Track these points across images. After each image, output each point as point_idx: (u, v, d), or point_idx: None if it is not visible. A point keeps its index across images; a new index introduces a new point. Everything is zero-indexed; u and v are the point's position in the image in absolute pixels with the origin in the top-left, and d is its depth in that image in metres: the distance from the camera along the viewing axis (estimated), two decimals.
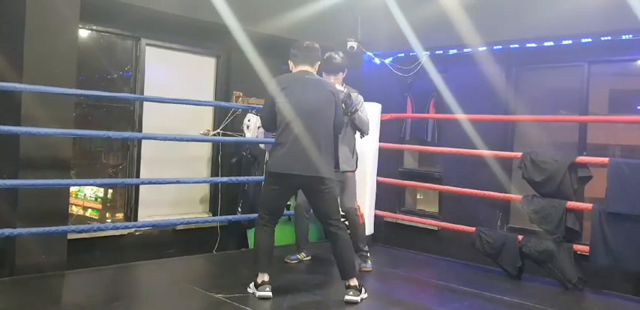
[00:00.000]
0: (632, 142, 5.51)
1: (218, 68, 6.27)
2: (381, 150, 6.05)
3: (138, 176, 5.56)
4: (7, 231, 4.02)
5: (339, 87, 4.48)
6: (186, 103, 5.11)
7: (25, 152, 4.28)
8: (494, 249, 5.03)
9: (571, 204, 4.72)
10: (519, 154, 5.08)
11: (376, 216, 6.04)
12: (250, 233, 6.07)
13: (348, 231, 4.97)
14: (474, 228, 5.26)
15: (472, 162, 5.66)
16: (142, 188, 5.55)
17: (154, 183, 5.15)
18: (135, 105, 5.56)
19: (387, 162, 6.32)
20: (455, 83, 5.94)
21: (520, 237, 4.97)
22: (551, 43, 5.38)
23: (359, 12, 6.59)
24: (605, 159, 4.59)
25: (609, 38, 5.03)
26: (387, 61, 6.66)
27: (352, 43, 6.49)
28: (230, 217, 5.72)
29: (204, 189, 6.17)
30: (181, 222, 5.24)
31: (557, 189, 4.77)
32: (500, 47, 5.67)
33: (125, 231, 5.31)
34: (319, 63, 4.22)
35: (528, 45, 5.53)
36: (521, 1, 5.38)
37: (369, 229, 5.80)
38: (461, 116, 5.64)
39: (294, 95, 3.94)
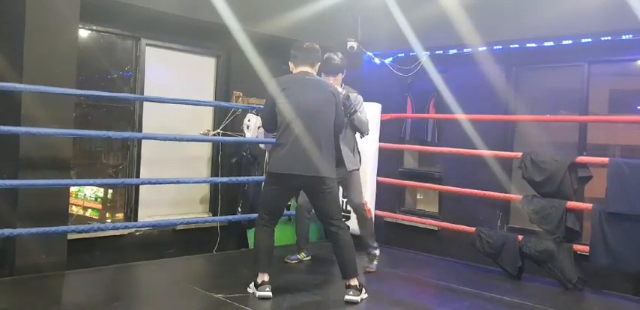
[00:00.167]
0: (632, 142, 5.51)
1: (218, 68, 6.27)
2: (381, 150, 6.05)
3: (138, 176, 5.56)
4: (7, 231, 4.02)
5: (338, 88, 4.48)
6: (186, 103, 5.11)
7: (25, 152, 4.28)
8: (494, 249, 5.03)
9: (571, 204, 4.72)
10: (519, 154, 5.08)
11: (376, 216, 6.03)
12: (250, 233, 6.07)
13: (357, 230, 4.99)
14: (474, 228, 5.26)
15: (472, 162, 5.66)
16: (142, 188, 5.55)
17: (154, 183, 5.15)
18: (135, 105, 5.56)
19: (387, 162, 6.32)
20: (455, 83, 5.94)
21: (520, 237, 4.97)
22: (551, 43, 5.38)
23: (359, 12, 6.59)
24: (605, 159, 4.59)
25: (609, 38, 5.03)
26: (387, 61, 6.66)
27: (352, 43, 6.49)
28: (230, 217, 5.72)
29: (204, 189, 6.17)
30: (181, 222, 5.24)
31: (557, 189, 4.77)
32: (500, 47, 5.67)
33: (125, 231, 5.31)
34: (319, 64, 4.23)
35: (528, 45, 5.53)
36: (521, 1, 5.38)
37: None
38: (461, 116, 5.64)
39: (295, 96, 3.94)
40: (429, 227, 6.07)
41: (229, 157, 6.06)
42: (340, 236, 3.96)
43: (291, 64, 4.19)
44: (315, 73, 4.17)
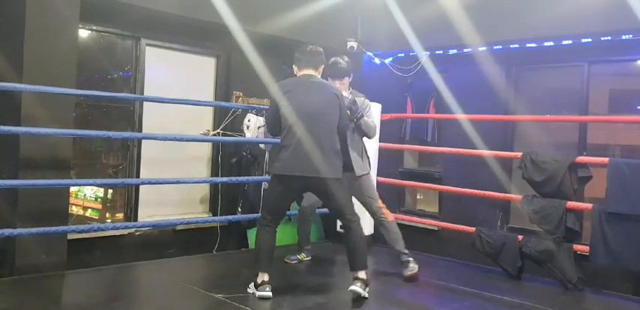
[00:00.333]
0: (632, 142, 5.52)
1: (218, 68, 6.27)
2: (381, 150, 6.05)
3: (138, 176, 5.56)
4: (7, 231, 4.03)
5: (344, 92, 4.47)
6: (186, 103, 5.11)
7: (25, 152, 4.28)
8: (494, 249, 5.03)
9: (571, 204, 4.72)
10: (519, 154, 5.08)
11: None
12: (250, 233, 6.07)
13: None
14: (474, 228, 5.26)
15: (472, 162, 5.66)
16: (142, 188, 5.55)
17: (154, 183, 5.15)
18: (135, 105, 5.56)
19: (387, 162, 6.32)
20: (455, 83, 5.94)
21: (520, 237, 4.97)
22: (551, 43, 5.38)
23: (359, 12, 6.59)
24: (605, 159, 4.59)
25: (609, 38, 5.02)
26: (387, 61, 6.66)
27: (352, 43, 6.49)
28: (230, 217, 5.72)
29: (204, 189, 6.17)
30: (181, 222, 5.24)
31: (557, 189, 4.77)
32: (500, 47, 5.67)
33: (125, 231, 5.31)
34: (323, 66, 4.23)
35: (528, 45, 5.53)
36: (521, 1, 5.38)
37: (369, 229, 5.80)
38: (461, 116, 5.63)
39: (297, 98, 3.96)
40: (429, 227, 6.07)
41: (229, 157, 6.06)
42: (352, 228, 3.99)
43: (295, 67, 4.20)
44: (319, 76, 4.17)
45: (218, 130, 5.94)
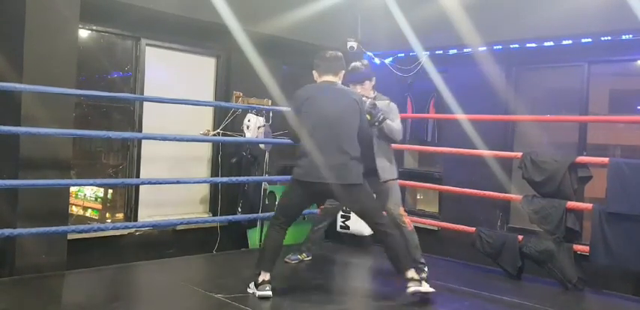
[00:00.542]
0: (632, 142, 5.52)
1: (218, 68, 6.26)
2: None
3: (138, 176, 5.56)
4: (7, 231, 4.02)
5: (368, 95, 4.44)
6: (186, 103, 5.11)
7: (25, 152, 4.28)
8: (494, 249, 5.03)
9: (571, 204, 4.72)
10: (519, 154, 5.08)
11: None
12: (250, 233, 6.07)
13: (361, 231, 4.94)
14: (474, 228, 5.26)
15: (472, 162, 5.66)
16: (142, 188, 5.55)
17: (154, 183, 5.15)
18: (135, 105, 5.55)
19: None
20: (455, 83, 5.94)
21: (520, 237, 4.97)
22: (551, 43, 5.38)
23: (359, 12, 6.60)
24: (605, 159, 4.59)
25: (609, 38, 5.03)
26: (387, 61, 6.66)
27: (352, 43, 6.49)
28: (230, 217, 5.72)
29: (204, 189, 6.17)
30: (181, 222, 5.24)
31: (557, 189, 4.77)
32: (500, 47, 5.67)
33: (125, 231, 5.31)
34: (343, 72, 4.22)
35: (528, 45, 5.53)
36: (521, 1, 5.38)
37: (369, 229, 5.79)
38: (461, 116, 5.63)
39: (317, 105, 3.97)
40: (429, 227, 6.06)
41: (229, 157, 6.05)
42: (389, 234, 3.98)
43: (315, 73, 4.21)
44: (339, 82, 4.17)
45: (218, 130, 5.94)
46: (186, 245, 5.72)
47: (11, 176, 4.24)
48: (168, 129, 5.43)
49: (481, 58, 5.62)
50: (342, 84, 4.23)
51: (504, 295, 4.35)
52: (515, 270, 4.91)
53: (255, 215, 5.82)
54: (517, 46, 5.59)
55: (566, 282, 4.63)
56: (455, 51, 6.05)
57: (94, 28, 5.29)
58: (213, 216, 6.03)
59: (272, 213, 6.10)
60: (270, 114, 6.01)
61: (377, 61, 6.69)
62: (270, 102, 6.21)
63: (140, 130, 5.56)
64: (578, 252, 4.68)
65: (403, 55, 6.50)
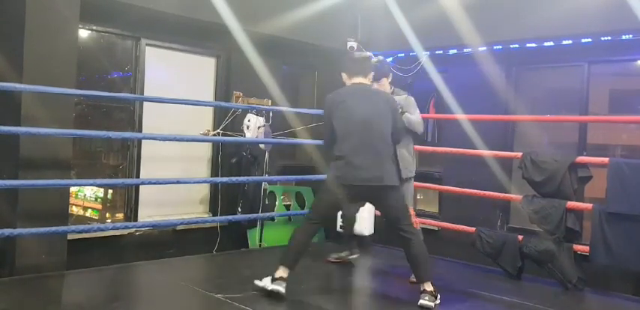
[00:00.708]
0: (632, 142, 5.52)
1: (218, 68, 6.26)
2: None
3: (138, 176, 5.56)
4: (7, 231, 4.02)
5: (386, 91, 4.44)
6: (186, 103, 5.10)
7: (25, 152, 4.28)
8: (494, 249, 5.03)
9: (571, 204, 4.72)
10: (519, 154, 5.07)
11: (376, 216, 6.02)
12: (250, 233, 6.08)
13: (361, 231, 4.94)
14: (474, 228, 5.26)
15: (472, 162, 5.66)
16: (142, 188, 5.55)
17: (154, 183, 5.15)
18: (135, 105, 5.55)
19: None
20: (455, 83, 5.94)
21: (520, 237, 4.96)
22: (551, 43, 5.38)
23: (359, 12, 6.60)
24: (605, 159, 4.59)
25: (609, 38, 5.03)
26: (387, 61, 6.65)
27: (352, 43, 6.49)
28: (230, 217, 5.72)
29: (204, 189, 6.17)
30: (181, 222, 5.24)
31: (557, 189, 4.76)
32: (500, 47, 5.67)
33: (125, 231, 5.31)
34: (373, 73, 4.21)
35: (528, 45, 5.53)
36: (521, 1, 5.39)
37: (369, 229, 5.81)
38: (461, 116, 5.64)
39: (349, 109, 3.98)
40: (429, 227, 6.06)
41: (229, 157, 6.06)
42: (412, 241, 3.95)
43: (344, 76, 4.20)
44: (369, 83, 4.17)
45: (218, 130, 5.94)
46: (186, 245, 5.72)
47: (11, 176, 4.24)
48: (169, 129, 5.43)
49: (481, 58, 5.62)
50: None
51: (504, 295, 4.35)
52: (515, 270, 4.91)
53: (255, 215, 5.82)
54: (517, 46, 5.60)
55: (567, 282, 4.63)
56: (455, 51, 6.05)
57: (94, 28, 5.29)
58: (213, 216, 6.03)
59: (272, 213, 6.18)
60: (270, 114, 6.01)
61: None
62: (270, 102, 6.21)
63: (140, 130, 5.56)
64: (578, 252, 4.68)
65: (403, 55, 6.50)
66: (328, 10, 6.21)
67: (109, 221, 5.58)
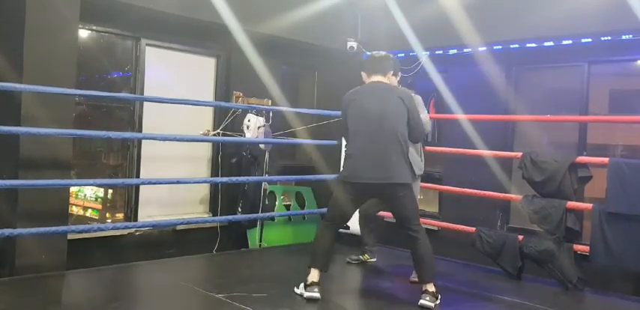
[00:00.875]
0: (632, 142, 5.52)
1: (218, 68, 6.26)
2: None
3: (138, 176, 5.56)
4: (7, 231, 4.02)
5: None
6: (186, 103, 5.10)
7: (25, 152, 4.28)
8: (494, 249, 5.03)
9: (571, 204, 4.72)
10: (519, 154, 5.07)
11: (377, 216, 6.03)
12: (250, 234, 6.08)
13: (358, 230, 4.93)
14: (474, 228, 5.26)
15: (472, 162, 5.66)
16: (142, 188, 5.55)
17: (154, 183, 5.15)
18: (135, 106, 5.55)
19: None
20: (455, 83, 5.94)
21: (520, 237, 4.96)
22: (551, 43, 5.38)
23: (359, 12, 6.60)
24: (605, 159, 4.59)
25: (609, 38, 5.03)
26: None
27: (352, 43, 6.49)
28: (230, 217, 5.72)
29: (204, 189, 6.17)
30: (181, 222, 5.24)
31: (557, 189, 4.76)
32: (500, 47, 5.67)
33: (125, 231, 5.31)
34: (392, 72, 4.22)
35: (528, 45, 5.53)
36: (521, 1, 5.38)
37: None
38: (461, 116, 5.64)
39: (360, 106, 3.99)
40: (429, 227, 6.04)
41: (229, 157, 6.06)
42: (420, 240, 3.95)
43: (363, 75, 4.21)
44: (388, 82, 4.16)
45: (218, 130, 5.94)
46: (186, 245, 5.72)
47: (11, 176, 4.24)
48: (169, 129, 5.43)
49: (481, 58, 5.62)
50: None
51: (504, 295, 4.35)
52: (516, 270, 4.91)
53: (255, 215, 5.82)
54: (517, 46, 5.59)
55: (567, 282, 4.63)
56: (455, 51, 6.05)
57: (94, 28, 5.29)
58: (213, 216, 6.03)
59: (272, 213, 6.18)
60: (270, 114, 6.01)
61: None
62: (270, 102, 6.21)
63: (140, 130, 5.56)
64: (578, 252, 4.68)
65: (403, 55, 6.49)
66: (328, 10, 6.21)
67: (109, 221, 5.58)
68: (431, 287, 3.92)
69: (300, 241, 6.12)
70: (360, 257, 5.15)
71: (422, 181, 6.21)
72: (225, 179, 5.60)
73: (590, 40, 5.13)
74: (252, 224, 6.03)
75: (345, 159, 4.08)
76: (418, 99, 4.64)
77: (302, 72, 7.26)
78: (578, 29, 5.04)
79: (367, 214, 5.03)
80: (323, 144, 6.31)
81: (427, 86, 6.23)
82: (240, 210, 5.91)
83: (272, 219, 6.24)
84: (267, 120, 5.97)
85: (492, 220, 5.73)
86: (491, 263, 5.14)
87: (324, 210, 4.80)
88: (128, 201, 5.57)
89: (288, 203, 6.64)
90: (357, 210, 4.93)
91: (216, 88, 6.25)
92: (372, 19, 6.53)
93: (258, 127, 5.87)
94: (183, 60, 5.98)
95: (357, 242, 5.57)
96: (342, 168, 4.08)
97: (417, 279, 4.24)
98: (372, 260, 5.18)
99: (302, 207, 6.65)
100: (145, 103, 5.53)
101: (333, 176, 5.69)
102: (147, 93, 5.57)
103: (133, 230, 5.40)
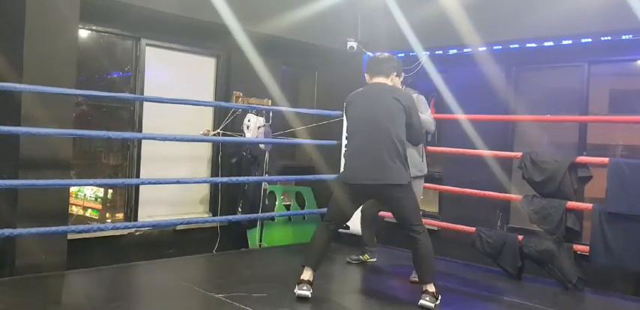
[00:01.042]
0: (632, 142, 5.52)
1: (218, 68, 6.26)
2: None
3: (138, 176, 5.56)
4: (7, 231, 4.03)
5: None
6: (186, 103, 5.11)
7: (25, 152, 4.28)
8: (494, 249, 5.03)
9: (571, 204, 4.72)
10: (519, 154, 5.08)
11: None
12: (250, 234, 6.08)
13: (358, 230, 4.93)
14: (474, 228, 5.26)
15: (472, 162, 5.66)
16: (142, 188, 5.55)
17: (154, 183, 5.15)
18: (135, 106, 5.55)
19: None
20: (455, 83, 5.94)
21: (520, 237, 4.97)
22: (551, 43, 5.38)
23: (359, 12, 6.59)
24: (605, 159, 4.59)
25: (609, 38, 5.02)
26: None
27: (352, 43, 6.49)
28: (230, 217, 5.72)
29: (204, 189, 6.17)
30: (181, 222, 5.24)
31: (557, 189, 4.77)
32: (500, 47, 5.67)
33: (125, 231, 5.31)
34: (395, 73, 4.20)
35: (528, 45, 5.52)
36: (521, 1, 5.38)
37: None
38: (461, 116, 5.64)
39: (357, 107, 4.04)
40: (429, 227, 6.01)
41: (229, 157, 6.06)
42: (421, 241, 3.95)
43: (366, 76, 4.22)
44: (390, 83, 4.16)
45: (218, 130, 5.94)
46: (186, 245, 5.72)
47: (11, 176, 4.24)
48: (169, 129, 5.43)
49: (481, 58, 5.62)
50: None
51: (504, 295, 4.35)
52: (515, 270, 4.91)
53: (255, 215, 5.82)
54: (517, 46, 5.59)
55: (566, 282, 4.63)
56: (455, 51, 6.05)
57: (94, 28, 5.29)
58: (213, 216, 6.03)
59: (272, 213, 6.19)
60: (270, 114, 6.01)
61: None
62: (270, 102, 6.21)
63: (140, 130, 5.56)
64: (578, 252, 4.69)
65: (403, 55, 6.48)
66: (328, 10, 6.21)
67: (109, 221, 5.58)
68: (431, 288, 3.92)
69: (300, 241, 6.11)
70: (360, 257, 5.15)
71: None
72: (225, 179, 5.61)
73: (590, 40, 5.13)
74: (252, 224, 6.03)
75: (344, 159, 4.08)
76: (421, 99, 4.64)
77: (302, 72, 7.26)
78: (578, 29, 5.04)
79: (369, 214, 5.03)
80: (323, 144, 6.31)
81: (427, 86, 6.22)
82: (240, 210, 5.91)
83: (272, 219, 6.24)
84: (267, 120, 5.97)
85: (492, 220, 5.73)
86: (491, 263, 5.15)
87: (324, 210, 4.81)
88: (128, 201, 5.57)
89: (288, 203, 6.64)
90: (359, 210, 4.95)
91: (216, 88, 6.25)
92: (372, 19, 6.53)
93: (258, 127, 5.88)
94: (183, 60, 5.98)
95: (357, 242, 5.58)
96: (342, 169, 4.09)
97: (417, 279, 4.24)
98: (372, 260, 5.18)
99: (302, 207, 6.65)
100: (145, 103, 5.53)
101: (333, 176, 5.70)
102: (147, 93, 5.56)
103: (132, 230, 5.40)
